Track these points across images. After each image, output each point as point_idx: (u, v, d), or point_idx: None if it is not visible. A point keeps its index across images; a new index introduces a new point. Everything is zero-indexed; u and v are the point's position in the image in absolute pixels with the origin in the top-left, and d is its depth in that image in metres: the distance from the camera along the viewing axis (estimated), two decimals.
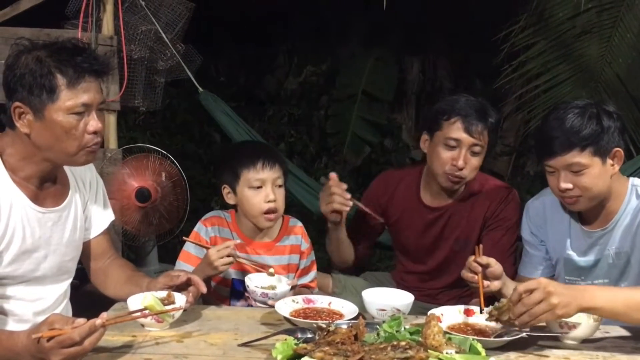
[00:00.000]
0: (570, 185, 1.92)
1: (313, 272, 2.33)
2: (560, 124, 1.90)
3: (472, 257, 1.90)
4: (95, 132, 1.70)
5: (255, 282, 2.02)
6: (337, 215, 2.33)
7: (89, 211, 1.96)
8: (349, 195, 2.29)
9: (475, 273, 1.88)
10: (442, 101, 2.37)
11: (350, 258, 2.50)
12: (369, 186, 2.62)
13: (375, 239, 2.61)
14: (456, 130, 2.25)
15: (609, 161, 1.93)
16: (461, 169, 2.26)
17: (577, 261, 2.08)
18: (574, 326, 1.68)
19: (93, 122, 1.69)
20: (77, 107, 1.66)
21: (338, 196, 2.28)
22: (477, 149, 2.26)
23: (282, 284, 2.04)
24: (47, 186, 1.80)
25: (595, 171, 1.90)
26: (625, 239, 2.00)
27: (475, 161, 2.28)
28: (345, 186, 2.30)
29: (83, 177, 1.93)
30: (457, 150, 2.26)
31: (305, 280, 2.29)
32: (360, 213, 2.55)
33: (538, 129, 2.04)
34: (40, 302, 1.82)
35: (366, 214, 2.46)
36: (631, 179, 2.04)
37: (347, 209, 2.31)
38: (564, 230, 2.11)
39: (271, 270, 2.06)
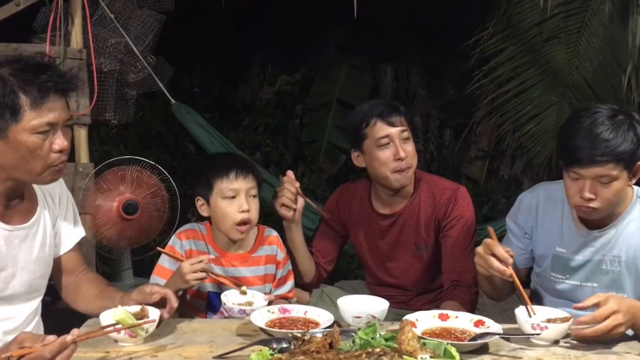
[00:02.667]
0: (593, 196, 1.86)
1: (290, 282, 2.33)
2: (595, 134, 1.83)
3: (488, 245, 1.87)
4: (61, 151, 1.67)
5: (231, 299, 2.01)
6: (287, 210, 2.36)
7: (59, 227, 1.94)
8: (297, 185, 2.36)
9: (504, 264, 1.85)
10: (352, 116, 2.45)
11: (308, 269, 2.50)
12: (327, 204, 2.65)
13: (336, 253, 2.63)
14: (380, 128, 2.32)
15: (631, 174, 1.90)
16: (404, 159, 2.31)
17: (566, 259, 2.05)
18: (545, 327, 1.71)
19: (59, 141, 1.66)
20: (42, 127, 1.63)
21: (287, 190, 2.34)
22: (405, 134, 2.33)
23: (259, 299, 2.03)
24: (14, 203, 1.77)
25: (620, 184, 1.86)
26: (625, 248, 1.97)
27: (410, 147, 2.34)
28: (297, 184, 2.37)
29: (52, 192, 1.91)
30: (391, 145, 2.32)
31: (283, 290, 2.28)
32: (323, 226, 2.61)
33: (565, 134, 1.94)
34: (10, 322, 1.78)
35: (323, 216, 2.56)
36: (636, 188, 2.00)
37: (295, 205, 2.36)
38: (556, 227, 2.08)
39: (243, 288, 2.05)
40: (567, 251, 2.05)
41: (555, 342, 1.73)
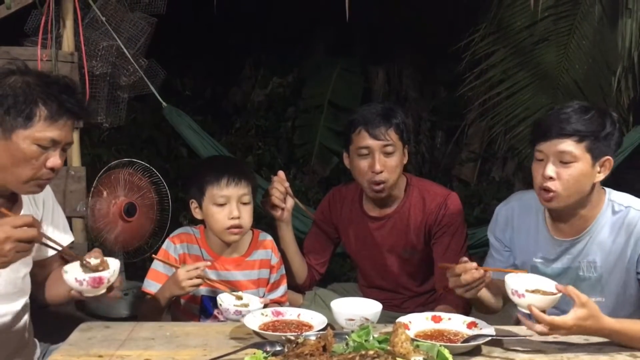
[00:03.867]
0: (553, 174, 1.88)
1: (283, 286, 2.33)
2: (563, 113, 1.90)
3: (450, 271, 1.89)
4: (52, 169, 1.72)
5: (227, 300, 2.00)
6: (276, 209, 2.39)
7: (45, 230, 1.92)
8: (287, 184, 2.40)
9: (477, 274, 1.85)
10: (349, 117, 2.47)
11: (300, 269, 2.51)
12: (319, 206, 2.66)
13: (329, 255, 2.64)
14: (363, 138, 2.33)
15: (597, 167, 1.91)
16: (380, 173, 2.31)
17: (543, 270, 2.05)
18: (523, 295, 1.68)
19: (54, 159, 1.71)
20: (45, 141, 1.68)
21: (276, 190, 2.38)
22: (389, 149, 2.33)
23: (255, 301, 2.03)
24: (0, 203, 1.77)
25: (582, 168, 1.88)
26: (599, 253, 1.98)
27: (392, 162, 2.34)
28: (287, 184, 2.41)
29: (36, 196, 1.91)
30: (370, 157, 2.33)
31: (276, 295, 2.29)
32: (315, 229, 2.62)
33: (539, 117, 2.03)
34: None
35: (312, 218, 2.60)
36: (608, 191, 2.01)
37: (283, 205, 2.40)
38: (532, 237, 2.09)
39: (239, 293, 2.05)
40: (544, 260, 2.06)
41: (546, 343, 1.73)
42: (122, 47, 3.06)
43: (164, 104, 3.36)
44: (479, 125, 5.54)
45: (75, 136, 2.98)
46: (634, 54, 3.68)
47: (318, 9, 5.21)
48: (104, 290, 1.70)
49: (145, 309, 2.15)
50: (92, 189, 2.88)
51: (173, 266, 2.09)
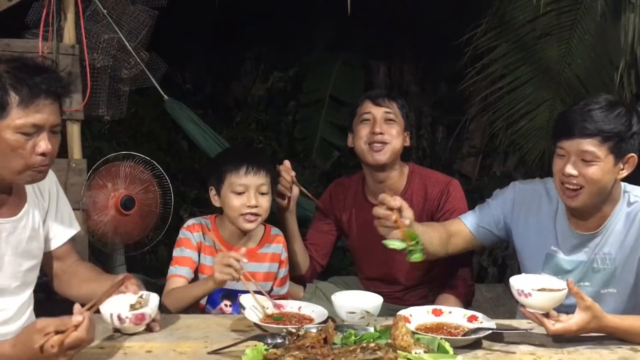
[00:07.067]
0: (575, 172, 1.86)
1: (287, 283, 2.34)
2: (588, 110, 1.87)
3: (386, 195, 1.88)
4: (44, 154, 1.67)
5: (248, 302, 1.96)
6: (281, 197, 2.41)
7: (50, 221, 1.93)
8: (293, 174, 2.41)
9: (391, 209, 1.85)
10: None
11: (303, 260, 2.50)
12: (321, 198, 2.67)
13: (330, 247, 2.65)
14: (366, 106, 2.43)
15: (620, 165, 1.89)
16: (380, 134, 2.36)
17: (560, 259, 2.04)
18: (529, 294, 1.70)
19: (42, 144, 1.66)
20: (27, 127, 1.63)
21: (283, 179, 2.39)
22: (390, 116, 2.40)
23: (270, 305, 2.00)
24: (1, 198, 1.78)
25: (605, 167, 1.86)
26: (614, 245, 1.97)
27: (393, 129, 2.39)
28: (293, 173, 2.43)
29: (41, 186, 1.90)
30: (371, 122, 2.40)
31: (282, 292, 2.30)
32: (317, 221, 2.63)
33: (563, 112, 1.98)
34: (2, 313, 1.79)
35: (318, 205, 2.62)
36: (623, 184, 2.00)
37: (289, 194, 2.41)
38: (549, 225, 2.07)
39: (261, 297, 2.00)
40: (561, 251, 2.04)
41: (548, 337, 1.74)
42: (124, 39, 3.05)
43: (165, 97, 3.36)
44: (480, 120, 5.52)
45: (77, 129, 2.99)
46: (636, 48, 3.66)
47: (319, 3, 5.20)
48: (144, 327, 1.71)
49: (174, 299, 2.08)
50: (89, 181, 2.88)
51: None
